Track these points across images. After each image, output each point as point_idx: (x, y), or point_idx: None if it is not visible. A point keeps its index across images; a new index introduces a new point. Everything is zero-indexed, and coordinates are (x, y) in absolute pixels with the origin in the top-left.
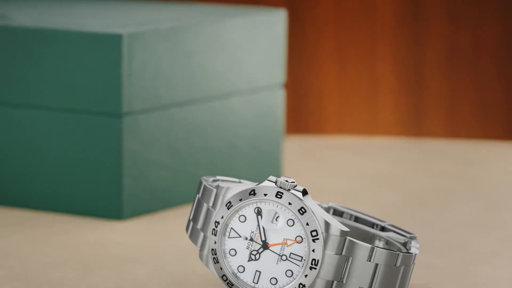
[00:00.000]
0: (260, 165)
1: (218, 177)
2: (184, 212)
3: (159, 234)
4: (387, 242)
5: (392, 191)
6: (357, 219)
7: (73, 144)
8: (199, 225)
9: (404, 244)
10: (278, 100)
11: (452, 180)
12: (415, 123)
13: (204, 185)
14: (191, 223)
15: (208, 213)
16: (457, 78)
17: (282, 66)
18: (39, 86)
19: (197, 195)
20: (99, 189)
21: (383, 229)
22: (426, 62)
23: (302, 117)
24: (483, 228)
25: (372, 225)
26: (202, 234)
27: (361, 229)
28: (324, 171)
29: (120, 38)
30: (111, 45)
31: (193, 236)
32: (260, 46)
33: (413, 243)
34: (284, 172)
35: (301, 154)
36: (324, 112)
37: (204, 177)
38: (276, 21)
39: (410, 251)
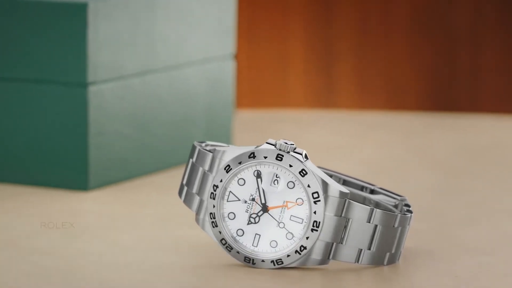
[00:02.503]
0: (214, 134)
1: (208, 142)
2: (150, 182)
3: (130, 203)
4: (377, 204)
5: (347, 161)
6: (345, 182)
7: (38, 115)
8: (195, 190)
9: (396, 206)
10: (229, 71)
11: (401, 150)
12: (325, 97)
13: (199, 149)
14: (185, 188)
15: (204, 177)
16: (367, 53)
17: (233, 37)
18: (3, 57)
19: (191, 160)
20: (64, 160)
21: (372, 192)
22: (336, 38)
23: None
24: (451, 194)
25: (361, 188)
26: (198, 198)
27: (351, 192)
28: None
29: (85, 7)
30: (76, 14)
31: (187, 201)
32: (212, 17)
33: (405, 205)
34: (235, 142)
35: (238, 126)
36: (236, 88)
37: (196, 142)
38: None
39: (405, 213)
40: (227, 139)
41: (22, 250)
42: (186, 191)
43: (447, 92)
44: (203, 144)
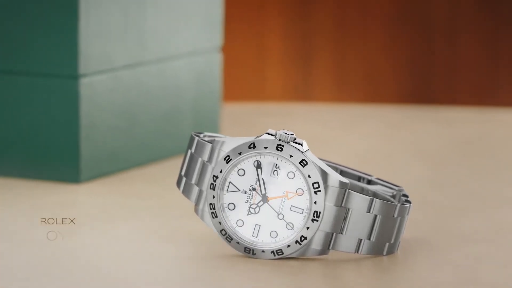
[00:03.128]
0: (202, 126)
1: (206, 133)
2: (141, 174)
3: (124, 195)
4: (375, 195)
5: (336, 153)
6: (342, 173)
7: (29, 108)
8: (194, 180)
9: (393, 197)
10: (216, 64)
11: (387, 142)
12: (303, 90)
13: (198, 140)
14: (184, 179)
15: (204, 168)
16: (345, 47)
17: (220, 30)
18: None
19: (189, 151)
20: (55, 152)
21: (369, 182)
22: (314, 32)
23: None
24: (443, 185)
25: (358, 178)
26: (197, 189)
27: (350, 182)
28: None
29: None
30: (67, 6)
31: (186, 191)
32: (200, 10)
33: (403, 195)
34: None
35: (223, 119)
36: None
37: (194, 133)
38: None
39: (404, 203)
40: (215, 132)
41: (19, 241)
42: (184, 182)
43: (425, 85)
44: (201, 135)
